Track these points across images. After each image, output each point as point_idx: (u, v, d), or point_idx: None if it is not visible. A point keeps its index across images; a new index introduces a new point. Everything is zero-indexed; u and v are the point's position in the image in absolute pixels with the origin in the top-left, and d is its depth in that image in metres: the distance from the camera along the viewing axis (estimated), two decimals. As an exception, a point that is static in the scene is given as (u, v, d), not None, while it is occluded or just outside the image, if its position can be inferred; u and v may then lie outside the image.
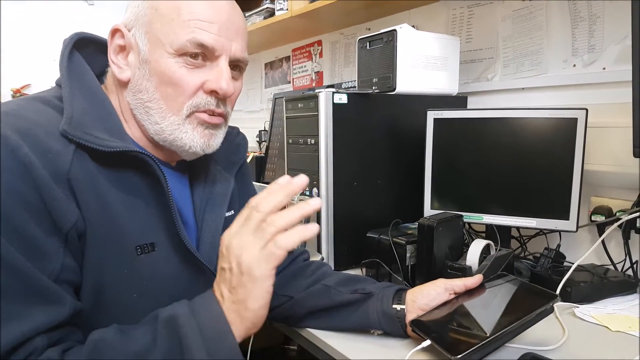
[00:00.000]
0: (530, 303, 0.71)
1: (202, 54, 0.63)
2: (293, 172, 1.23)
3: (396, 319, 0.74)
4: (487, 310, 0.72)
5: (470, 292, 0.77)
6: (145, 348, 0.53)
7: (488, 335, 0.65)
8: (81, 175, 0.57)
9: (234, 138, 0.83)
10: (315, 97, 1.07)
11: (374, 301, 0.77)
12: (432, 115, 1.13)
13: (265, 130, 2.04)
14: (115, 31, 0.65)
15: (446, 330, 0.69)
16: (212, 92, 0.64)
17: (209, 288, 0.66)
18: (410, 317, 0.74)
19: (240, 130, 0.85)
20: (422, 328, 0.70)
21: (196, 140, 0.65)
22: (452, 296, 0.76)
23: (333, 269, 0.93)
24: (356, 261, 1.11)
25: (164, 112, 0.64)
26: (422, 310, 0.74)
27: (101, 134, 0.59)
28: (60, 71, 0.63)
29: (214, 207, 0.72)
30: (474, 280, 0.77)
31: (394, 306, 0.75)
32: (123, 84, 0.65)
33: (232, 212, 0.77)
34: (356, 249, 1.13)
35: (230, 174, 0.78)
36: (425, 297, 0.75)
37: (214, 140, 0.68)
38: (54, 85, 0.66)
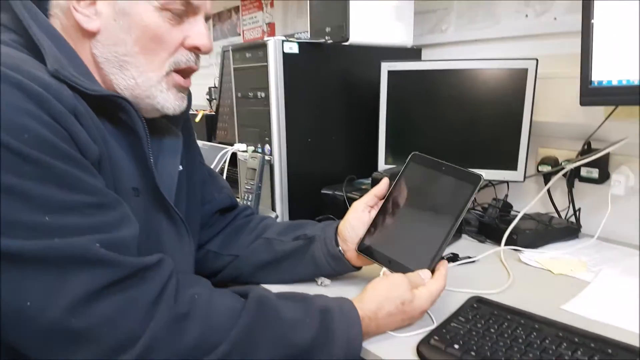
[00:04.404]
0: (457, 191, 0.67)
1: (184, 11, 0.62)
2: (243, 129, 1.18)
3: (343, 258, 0.75)
4: (420, 210, 0.70)
5: (395, 199, 0.73)
6: (299, 321, 0.57)
7: (439, 240, 0.65)
8: (84, 112, 0.54)
9: None
10: (263, 46, 1.02)
11: (317, 245, 0.77)
12: (386, 67, 1.10)
13: (215, 87, 1.95)
14: None
15: (393, 250, 0.69)
16: (194, 49, 0.64)
17: (178, 235, 0.69)
18: (349, 255, 0.75)
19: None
20: (371, 255, 0.71)
21: (170, 101, 0.64)
22: (374, 211, 0.75)
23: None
24: (311, 218, 1.09)
25: (142, 68, 0.61)
26: (354, 244, 0.74)
27: (81, 76, 0.56)
28: (15, 9, 0.56)
29: (165, 160, 0.70)
30: (381, 186, 0.75)
31: (338, 246, 0.76)
32: (88, 34, 0.60)
33: (181, 167, 0.74)
34: (311, 206, 1.11)
35: (177, 127, 0.74)
36: (351, 230, 0.74)
37: (184, 103, 0.67)
38: None
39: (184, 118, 0.77)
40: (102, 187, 0.52)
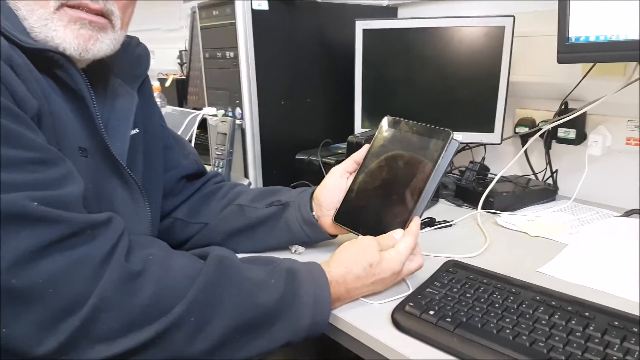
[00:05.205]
0: (429, 150, 0.65)
1: None
2: (212, 92, 1.12)
3: (317, 224, 0.72)
4: (395, 174, 0.68)
5: (370, 165, 0.71)
6: (264, 282, 0.54)
7: (413, 200, 0.64)
8: (21, 63, 0.49)
9: (134, 49, 0.71)
10: (231, 3, 0.95)
11: (291, 211, 0.74)
12: (360, 26, 1.05)
13: (185, 50, 1.86)
14: None
15: (369, 216, 0.68)
16: None
17: (133, 200, 0.65)
18: (323, 221, 0.72)
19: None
20: (347, 224, 0.69)
21: (69, 40, 0.54)
22: (351, 177, 0.73)
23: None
24: (286, 185, 1.07)
25: (30, 5, 0.53)
26: (329, 210, 0.71)
27: (12, 26, 0.51)
28: None
29: (117, 124, 0.64)
30: (361, 152, 0.72)
31: (312, 212, 0.73)
32: None
33: (137, 130, 0.68)
34: (285, 172, 1.08)
35: (133, 88, 0.68)
36: (327, 195, 0.72)
37: (95, 45, 0.57)
38: None
39: (141, 78, 0.72)
40: (42, 143, 0.48)
